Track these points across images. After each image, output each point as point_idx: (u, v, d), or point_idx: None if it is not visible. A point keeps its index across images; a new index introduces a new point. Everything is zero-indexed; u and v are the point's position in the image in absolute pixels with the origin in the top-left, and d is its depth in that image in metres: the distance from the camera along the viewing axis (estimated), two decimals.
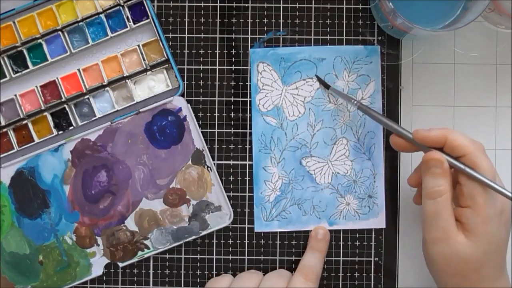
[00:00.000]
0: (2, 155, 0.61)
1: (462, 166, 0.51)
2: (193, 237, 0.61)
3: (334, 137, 0.61)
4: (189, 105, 0.61)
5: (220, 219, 0.61)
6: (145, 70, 0.61)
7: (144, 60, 0.60)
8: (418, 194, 0.58)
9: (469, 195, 0.51)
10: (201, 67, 0.62)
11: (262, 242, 0.62)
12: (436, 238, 0.51)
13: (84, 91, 0.61)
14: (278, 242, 0.62)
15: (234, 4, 0.62)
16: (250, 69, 0.62)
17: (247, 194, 0.62)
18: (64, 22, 0.60)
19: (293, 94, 0.61)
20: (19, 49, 0.60)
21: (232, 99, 0.62)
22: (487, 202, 0.50)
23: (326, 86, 0.60)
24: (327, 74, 0.61)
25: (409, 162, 0.62)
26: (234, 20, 0.62)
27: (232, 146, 0.62)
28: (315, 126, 0.61)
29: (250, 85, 0.62)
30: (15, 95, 0.60)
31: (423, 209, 0.52)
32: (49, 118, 0.61)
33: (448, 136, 0.51)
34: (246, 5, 0.62)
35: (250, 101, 0.62)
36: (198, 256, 0.62)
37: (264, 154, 0.61)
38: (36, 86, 0.60)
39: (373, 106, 0.61)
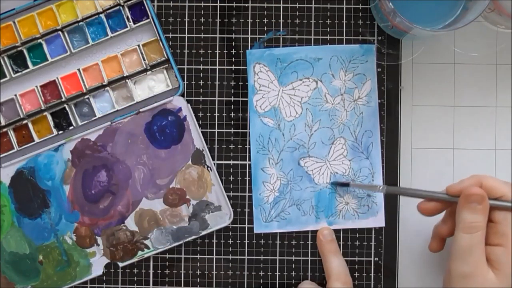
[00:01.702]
0: (2, 155, 0.61)
1: (503, 203, 0.51)
2: (193, 237, 0.61)
3: (332, 137, 0.61)
4: (189, 105, 0.61)
5: (220, 219, 0.61)
6: (145, 70, 0.61)
7: (144, 60, 0.60)
8: (436, 241, 0.58)
9: (503, 233, 0.51)
10: (201, 67, 0.62)
11: (262, 242, 0.62)
12: (465, 273, 0.51)
13: (84, 91, 0.61)
14: (278, 242, 0.62)
15: (234, 4, 0.62)
16: (246, 70, 0.62)
17: (247, 194, 0.62)
18: (64, 22, 0.60)
19: (290, 94, 0.61)
20: (19, 49, 0.60)
21: (232, 99, 0.62)
22: None
23: (345, 185, 0.61)
24: (323, 73, 0.61)
25: (409, 160, 0.62)
26: (234, 20, 0.62)
27: (232, 146, 0.62)
28: (312, 127, 0.61)
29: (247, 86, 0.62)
30: (15, 95, 0.60)
31: (455, 243, 0.52)
32: (49, 118, 0.61)
33: (482, 180, 0.52)
34: (246, 5, 0.62)
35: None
36: (198, 256, 0.62)
37: (262, 155, 0.61)
38: (36, 86, 0.61)
39: (370, 104, 0.61)
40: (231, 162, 0.62)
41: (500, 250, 0.51)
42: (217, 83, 0.62)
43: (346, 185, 0.61)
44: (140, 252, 0.61)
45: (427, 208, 0.55)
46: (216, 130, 0.62)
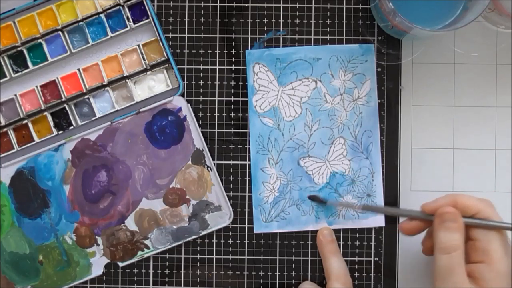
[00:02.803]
0: (2, 155, 0.61)
1: (478, 221, 0.51)
2: (193, 237, 0.61)
3: (332, 136, 0.61)
4: (189, 105, 0.61)
5: (220, 219, 0.61)
6: (145, 70, 0.61)
7: (144, 60, 0.60)
8: (427, 247, 0.57)
9: (484, 250, 0.51)
10: (201, 67, 0.62)
11: (262, 242, 0.62)
12: None
13: (84, 91, 0.61)
14: (278, 242, 0.62)
15: (234, 4, 0.62)
16: (246, 70, 0.62)
17: (247, 194, 0.62)
18: (64, 22, 0.60)
19: (290, 94, 0.61)
20: (19, 49, 0.60)
21: (232, 99, 0.62)
22: (502, 257, 0.50)
23: (323, 202, 0.61)
24: (323, 73, 0.61)
25: (409, 160, 0.62)
26: (234, 20, 0.62)
27: (232, 146, 0.62)
28: (312, 126, 0.61)
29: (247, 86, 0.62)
30: (15, 95, 0.60)
31: (435, 263, 0.52)
32: (49, 118, 0.61)
33: (456, 199, 0.52)
34: (246, 5, 0.62)
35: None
36: (198, 256, 0.62)
37: (261, 155, 0.61)
38: (36, 86, 0.61)
39: (369, 104, 0.61)
40: (231, 162, 0.62)
41: (483, 267, 0.50)
42: (217, 83, 0.62)
43: (323, 202, 0.61)
44: (140, 252, 0.61)
45: (407, 228, 0.55)
46: (216, 130, 0.62)
